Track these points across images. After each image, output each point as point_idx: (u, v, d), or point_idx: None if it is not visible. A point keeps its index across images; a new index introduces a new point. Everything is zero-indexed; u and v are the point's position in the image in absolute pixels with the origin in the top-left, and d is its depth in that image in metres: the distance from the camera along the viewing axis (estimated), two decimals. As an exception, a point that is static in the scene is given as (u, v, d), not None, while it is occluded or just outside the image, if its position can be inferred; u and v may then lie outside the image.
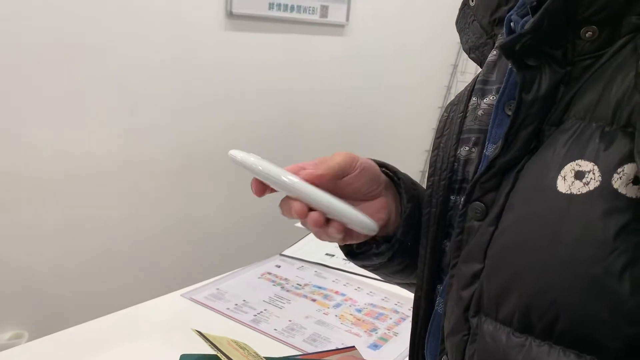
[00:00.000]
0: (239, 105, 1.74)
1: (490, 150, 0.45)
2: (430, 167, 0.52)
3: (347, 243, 0.56)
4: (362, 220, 0.50)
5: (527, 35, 0.38)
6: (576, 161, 0.34)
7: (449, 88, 2.45)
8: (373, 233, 0.51)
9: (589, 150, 0.34)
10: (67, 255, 1.45)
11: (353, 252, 0.58)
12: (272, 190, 0.51)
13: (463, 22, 0.56)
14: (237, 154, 0.49)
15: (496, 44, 0.50)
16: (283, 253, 1.27)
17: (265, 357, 0.47)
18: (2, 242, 1.34)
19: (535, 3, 0.39)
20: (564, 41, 0.38)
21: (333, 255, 1.26)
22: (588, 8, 0.36)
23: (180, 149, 1.62)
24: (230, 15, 1.62)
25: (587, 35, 0.37)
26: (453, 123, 0.51)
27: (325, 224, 0.49)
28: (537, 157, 0.38)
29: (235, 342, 0.48)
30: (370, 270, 0.62)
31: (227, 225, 1.80)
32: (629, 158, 0.32)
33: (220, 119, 1.70)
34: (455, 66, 2.43)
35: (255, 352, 0.47)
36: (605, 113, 0.35)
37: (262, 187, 0.51)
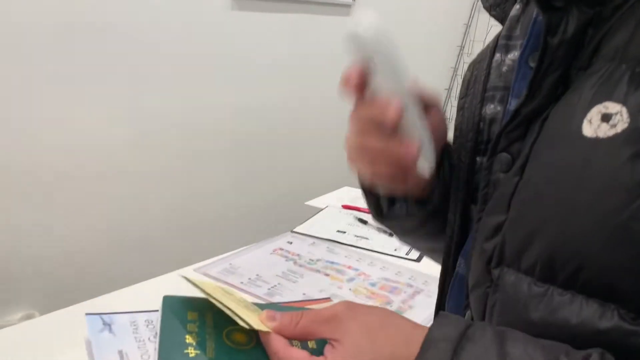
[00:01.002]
0: (246, 85, 1.73)
1: (513, 104, 0.44)
2: (455, 130, 0.51)
3: (386, 190, 0.52)
4: (431, 153, 0.46)
5: None
6: (603, 103, 0.33)
7: (455, 69, 2.43)
8: (426, 173, 0.47)
9: (618, 92, 0.33)
10: (77, 235, 1.45)
11: (382, 213, 0.56)
12: (360, 90, 0.43)
13: None
14: (366, 18, 0.39)
15: (510, 15, 0.48)
16: (294, 230, 1.27)
17: (252, 303, 0.46)
18: (11, 227, 1.33)
19: None
20: None
21: (344, 232, 1.26)
22: None
23: (189, 129, 1.61)
24: (237, -7, 1.60)
25: None
26: (477, 82, 0.49)
27: (394, 136, 0.44)
28: (562, 102, 0.37)
29: (222, 288, 0.47)
30: (398, 235, 0.60)
31: (239, 204, 1.80)
32: None
33: (227, 99, 1.69)
34: (461, 47, 2.40)
35: (241, 297, 0.46)
36: (637, 53, 0.33)
37: (362, 79, 0.43)
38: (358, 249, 1.19)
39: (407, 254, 1.17)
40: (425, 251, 0.65)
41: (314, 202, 1.45)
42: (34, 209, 1.36)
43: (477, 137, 0.48)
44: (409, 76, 0.43)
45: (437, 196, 0.52)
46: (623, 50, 0.34)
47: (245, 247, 1.15)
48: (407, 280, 1.06)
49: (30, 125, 1.31)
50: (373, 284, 1.03)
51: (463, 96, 0.51)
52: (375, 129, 0.44)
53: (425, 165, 0.46)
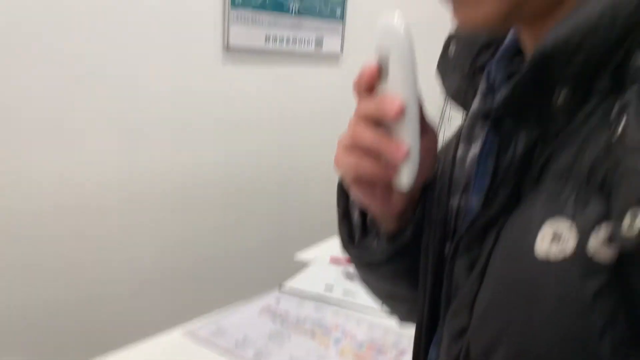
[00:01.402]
0: (236, 137, 1.76)
1: (475, 202, 0.46)
2: (425, 219, 0.52)
3: (365, 205, 0.52)
4: (416, 164, 0.44)
5: (499, 109, 0.39)
6: (554, 222, 0.35)
7: (442, 118, 2.47)
8: (405, 185, 0.46)
9: (566, 211, 0.35)
10: (64, 289, 1.45)
11: (353, 240, 0.56)
12: (369, 90, 0.45)
13: (444, 67, 0.56)
14: (396, 17, 0.41)
15: (471, 110, 0.51)
16: (282, 286, 1.28)
17: None
18: (1, 277, 1.34)
19: (508, 76, 0.40)
20: (538, 102, 0.38)
21: (332, 287, 1.27)
22: (561, 72, 0.37)
23: (179, 180, 1.64)
24: (228, 48, 1.65)
25: (561, 96, 0.37)
26: (444, 173, 0.51)
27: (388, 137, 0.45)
28: (516, 217, 0.39)
29: None
30: (362, 270, 0.59)
31: (227, 255, 1.81)
32: (604, 220, 0.33)
33: (217, 150, 1.72)
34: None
35: None
36: (581, 174, 0.35)
37: (374, 75, 0.45)
38: (346, 306, 1.20)
39: (393, 311, 1.19)
40: (385, 298, 0.65)
41: (303, 255, 1.47)
42: (23, 258, 1.37)
43: (445, 227, 0.50)
44: (419, 86, 0.43)
45: (409, 232, 0.53)
46: (569, 169, 0.37)
47: (233, 306, 1.16)
48: (394, 340, 1.07)
49: (19, 173, 1.33)
50: (360, 346, 1.04)
51: (432, 187, 0.53)
52: (372, 124, 0.45)
53: (406, 178, 0.45)
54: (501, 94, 0.39)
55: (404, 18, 0.41)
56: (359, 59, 2.12)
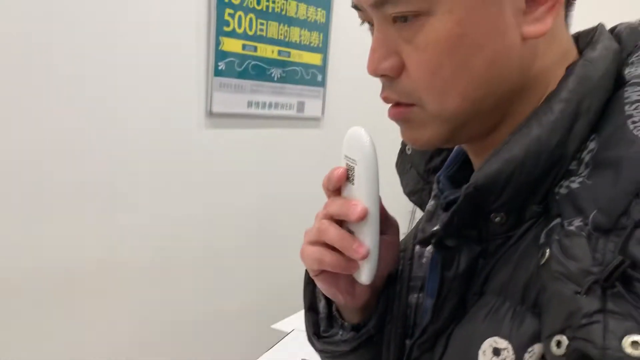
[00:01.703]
0: (219, 201, 1.77)
1: (428, 304, 0.49)
2: (387, 315, 0.54)
3: (330, 295, 0.54)
4: (376, 262, 0.48)
5: (440, 232, 0.42)
6: (493, 338, 0.38)
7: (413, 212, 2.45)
8: (365, 280, 0.49)
9: (504, 328, 0.38)
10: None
11: (318, 333, 0.58)
12: (337, 190, 0.49)
13: (402, 167, 0.60)
14: (363, 132, 0.46)
15: (417, 239, 0.54)
16: (258, 361, 1.27)
17: None
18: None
19: (449, 199, 0.44)
20: (477, 223, 0.42)
21: (308, 361, 1.26)
22: (493, 203, 0.40)
23: (160, 249, 1.63)
24: (211, 114, 1.68)
25: (496, 219, 0.41)
26: (404, 271, 0.54)
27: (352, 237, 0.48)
28: (461, 328, 0.42)
29: None
30: (327, 358, 0.61)
31: (205, 320, 1.79)
32: (537, 338, 0.36)
33: (197, 213, 1.73)
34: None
35: None
36: (516, 293, 0.39)
37: (342, 179, 0.48)
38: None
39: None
40: None
41: (279, 325, 1.46)
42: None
43: (405, 323, 0.52)
44: (379, 194, 0.48)
45: (372, 323, 0.54)
46: (505, 287, 0.40)
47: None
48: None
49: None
50: None
51: (394, 283, 0.55)
52: (336, 222, 0.49)
53: (365, 275, 0.48)
54: (442, 220, 0.42)
55: (369, 133, 0.46)
56: (339, 122, 2.18)
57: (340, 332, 0.57)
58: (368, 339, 0.55)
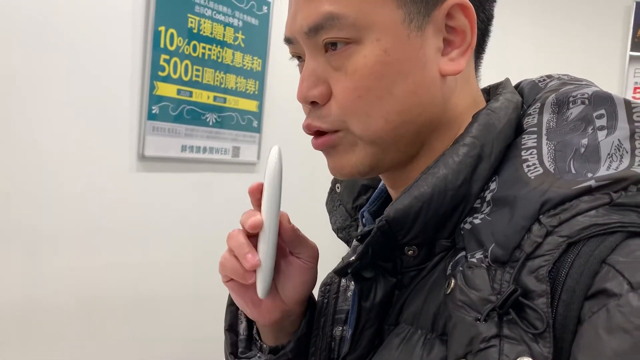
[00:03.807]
0: (150, 245, 1.73)
1: (349, 334, 0.50)
2: (311, 347, 0.56)
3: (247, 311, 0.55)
4: (269, 276, 0.50)
5: (356, 262, 0.44)
6: None
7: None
8: (259, 293, 0.51)
9: (415, 356, 0.40)
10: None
11: (235, 353, 0.59)
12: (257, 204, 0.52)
13: (331, 204, 0.63)
14: (277, 153, 0.50)
15: (334, 269, 0.57)
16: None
17: None
18: None
19: (364, 231, 0.47)
20: (392, 256, 0.45)
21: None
22: (405, 236, 0.43)
23: (87, 294, 1.55)
24: (142, 157, 1.66)
25: (409, 252, 0.44)
26: (329, 304, 0.56)
27: (251, 244, 0.51)
28: (378, 356, 0.44)
29: None
30: None
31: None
32: None
33: (130, 259, 1.67)
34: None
35: None
36: (427, 321, 0.41)
37: (255, 192, 0.52)
38: None
39: None
40: None
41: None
42: None
43: (329, 355, 0.54)
44: (279, 211, 0.50)
45: (291, 346, 0.55)
46: (417, 316, 0.42)
47: None
48: None
49: None
50: None
51: (318, 317, 0.57)
52: (245, 232, 0.51)
53: (259, 286, 0.50)
54: (357, 251, 0.44)
55: (281, 152, 0.50)
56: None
57: (258, 354, 0.58)
58: None
